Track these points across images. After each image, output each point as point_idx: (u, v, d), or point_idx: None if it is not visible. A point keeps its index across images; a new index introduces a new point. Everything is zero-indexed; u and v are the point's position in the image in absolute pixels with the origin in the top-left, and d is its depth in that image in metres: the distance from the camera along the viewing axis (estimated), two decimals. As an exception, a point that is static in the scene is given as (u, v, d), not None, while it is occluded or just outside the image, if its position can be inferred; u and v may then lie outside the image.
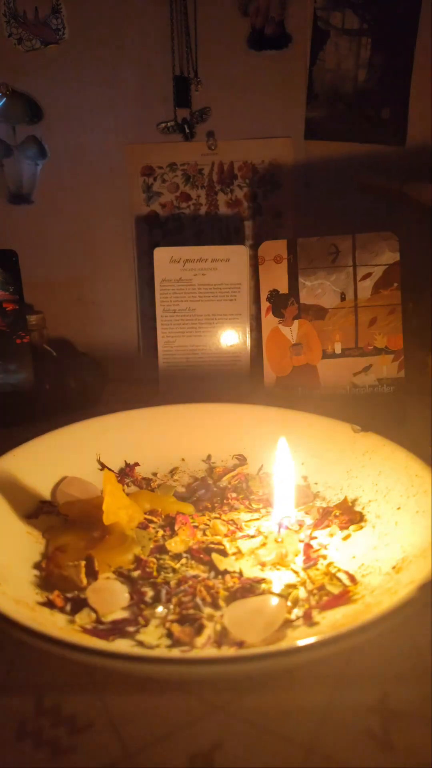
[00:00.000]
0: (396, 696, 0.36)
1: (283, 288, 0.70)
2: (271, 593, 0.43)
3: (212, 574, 0.45)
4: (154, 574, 0.45)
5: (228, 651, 0.38)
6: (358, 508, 0.51)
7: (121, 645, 0.39)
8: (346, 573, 0.45)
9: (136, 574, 0.46)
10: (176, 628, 0.40)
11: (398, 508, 0.48)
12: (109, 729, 0.35)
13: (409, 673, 0.38)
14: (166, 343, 0.74)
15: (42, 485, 0.54)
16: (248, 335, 0.74)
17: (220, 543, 0.48)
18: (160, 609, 0.42)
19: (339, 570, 0.45)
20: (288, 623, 0.40)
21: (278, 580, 0.45)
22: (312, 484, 0.56)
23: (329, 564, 0.46)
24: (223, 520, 0.52)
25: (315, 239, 0.70)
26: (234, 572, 0.45)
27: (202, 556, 0.47)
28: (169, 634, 0.40)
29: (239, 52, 0.78)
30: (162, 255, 0.74)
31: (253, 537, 0.49)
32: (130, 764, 0.33)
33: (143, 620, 0.41)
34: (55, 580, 0.44)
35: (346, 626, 0.35)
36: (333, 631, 0.35)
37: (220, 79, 0.79)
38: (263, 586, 0.44)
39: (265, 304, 0.70)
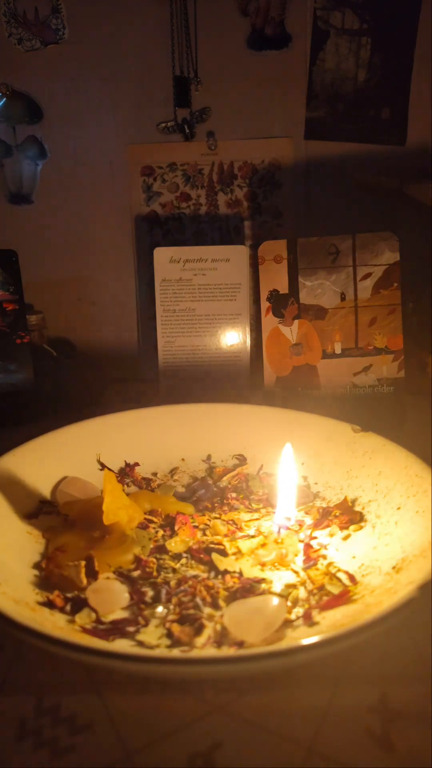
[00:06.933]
0: (396, 696, 0.36)
1: (283, 288, 0.70)
2: (271, 593, 0.43)
3: (212, 574, 0.45)
4: (154, 574, 0.45)
5: (228, 651, 0.38)
6: (358, 508, 0.51)
7: (121, 645, 0.39)
8: (346, 573, 0.44)
9: (136, 574, 0.46)
10: (176, 628, 0.40)
11: (398, 508, 0.48)
12: (109, 729, 0.35)
13: (409, 673, 0.38)
14: (166, 343, 0.74)
15: (42, 485, 0.54)
16: (248, 335, 0.74)
17: (220, 543, 0.48)
18: (160, 609, 0.42)
19: (339, 570, 0.45)
20: (288, 623, 0.40)
21: (278, 580, 0.45)
22: (312, 484, 0.56)
23: (329, 564, 0.46)
24: (223, 520, 0.52)
25: (315, 239, 0.70)
26: (234, 572, 0.45)
27: (202, 556, 0.47)
28: (169, 634, 0.40)
29: (239, 52, 0.78)
30: (162, 255, 0.74)
31: (253, 537, 0.49)
32: (130, 764, 0.33)
33: (143, 620, 0.41)
34: (55, 580, 0.44)
35: (346, 626, 0.35)
36: (333, 631, 0.35)
37: (220, 79, 0.79)
38: (263, 586, 0.44)
39: (265, 304, 0.70)
